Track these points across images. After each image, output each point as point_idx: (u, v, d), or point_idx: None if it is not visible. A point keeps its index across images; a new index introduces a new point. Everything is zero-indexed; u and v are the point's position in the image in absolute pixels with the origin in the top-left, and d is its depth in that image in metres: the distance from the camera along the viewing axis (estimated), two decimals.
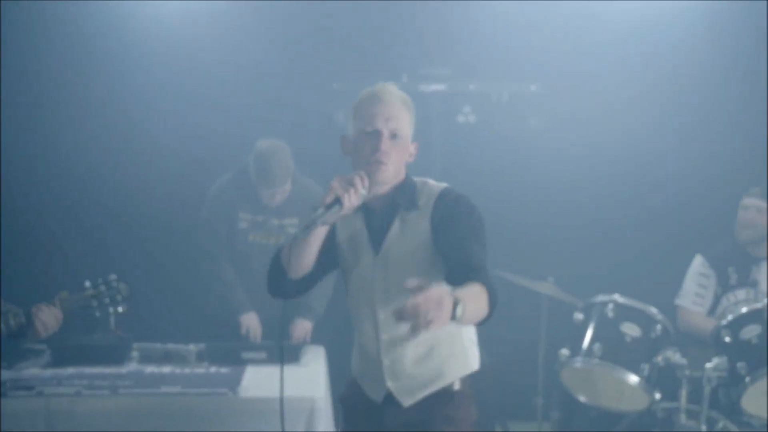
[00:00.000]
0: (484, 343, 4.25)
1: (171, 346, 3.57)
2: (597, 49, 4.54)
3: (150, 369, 3.43)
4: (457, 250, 2.26)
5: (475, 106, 4.76)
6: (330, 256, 2.49)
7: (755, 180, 4.06)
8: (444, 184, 2.44)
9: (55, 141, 4.62)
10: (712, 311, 3.94)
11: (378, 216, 2.42)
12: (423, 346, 2.44)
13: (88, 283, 2.93)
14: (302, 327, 3.92)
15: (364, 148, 2.32)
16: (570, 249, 4.53)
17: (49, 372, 3.34)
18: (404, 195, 2.38)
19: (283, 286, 2.45)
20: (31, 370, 3.37)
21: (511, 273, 3.97)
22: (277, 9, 4.54)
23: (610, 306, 3.44)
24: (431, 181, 2.46)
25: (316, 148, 4.05)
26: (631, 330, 3.38)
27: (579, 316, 3.54)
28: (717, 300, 3.94)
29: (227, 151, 4.32)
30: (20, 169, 4.60)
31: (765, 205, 3.90)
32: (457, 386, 2.48)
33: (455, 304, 1.94)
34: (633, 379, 3.30)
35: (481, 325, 2.23)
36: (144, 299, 4.38)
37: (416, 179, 2.45)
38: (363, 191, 2.27)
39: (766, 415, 3.28)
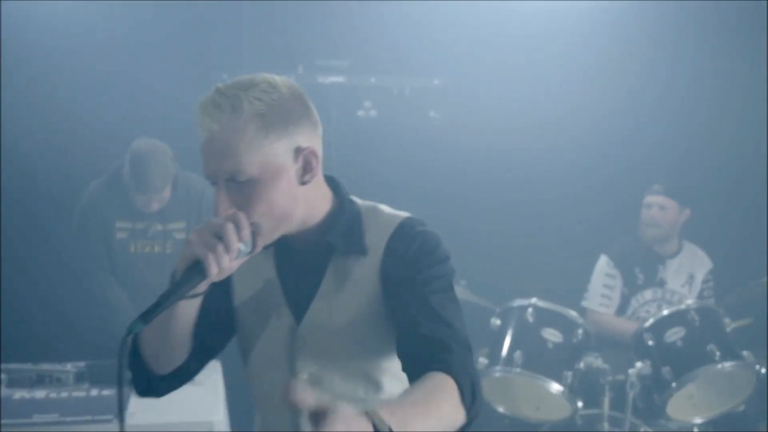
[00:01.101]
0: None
1: (45, 366, 3.16)
2: (501, 42, 4.45)
3: (20, 394, 3.02)
4: (411, 318, 1.52)
5: (375, 101, 4.54)
6: (224, 320, 1.70)
7: (655, 178, 4.03)
8: (404, 214, 1.66)
9: None
10: (621, 311, 3.88)
11: (299, 262, 1.64)
12: None
13: None
14: None
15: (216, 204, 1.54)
16: (480, 250, 4.37)
17: None
18: (340, 231, 1.61)
19: (153, 386, 1.64)
20: None
21: None
22: (167, 16, 4.24)
23: (530, 310, 3.28)
24: (385, 209, 1.68)
25: None
26: (552, 336, 3.24)
27: (496, 321, 3.36)
28: (626, 300, 3.89)
29: (110, 153, 3.90)
30: None
31: (667, 202, 3.87)
32: None
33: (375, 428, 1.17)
34: (556, 387, 3.15)
35: None
36: (12, 314, 3.94)
37: (361, 205, 1.67)
38: (242, 246, 1.46)
39: (689, 419, 3.23)
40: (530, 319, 3.27)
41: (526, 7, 4.48)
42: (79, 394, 3.02)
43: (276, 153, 1.49)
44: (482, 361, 3.30)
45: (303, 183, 1.53)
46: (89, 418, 2.77)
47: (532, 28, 4.44)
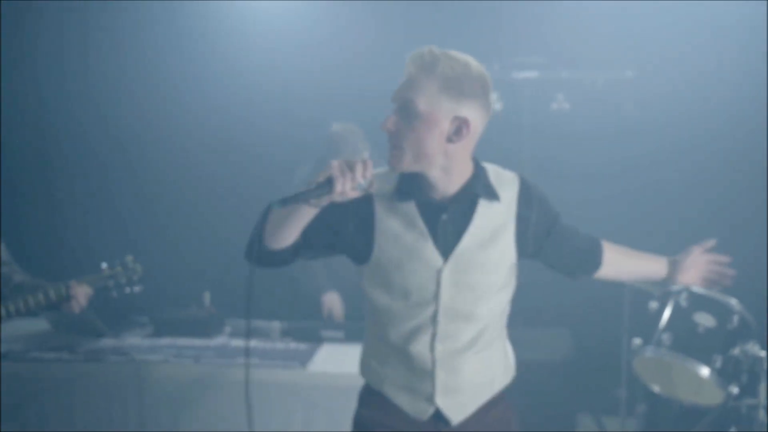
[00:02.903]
0: (573, 335, 4.21)
1: (259, 322, 3.80)
2: (694, 35, 4.38)
3: (236, 342, 3.67)
4: (573, 253, 2.29)
5: (568, 94, 4.71)
6: (328, 241, 2.12)
7: None
8: (513, 172, 2.17)
9: (88, 121, 5.00)
10: None
11: (444, 211, 2.05)
12: (480, 355, 2.17)
13: (104, 265, 3.05)
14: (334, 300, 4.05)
15: None
16: (659, 238, 4.39)
17: (147, 342, 3.67)
18: (481, 184, 2.06)
19: (255, 250, 2.06)
20: (132, 339, 3.70)
21: None
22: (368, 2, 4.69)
23: (684, 295, 3.34)
24: (501, 169, 2.16)
25: None
26: (704, 320, 3.26)
27: (653, 305, 3.45)
28: None
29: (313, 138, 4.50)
30: (52, 150, 5.05)
31: None
32: (502, 393, 2.27)
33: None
34: (704, 370, 3.19)
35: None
36: (239, 280, 4.70)
37: (486, 165, 2.13)
38: (362, 182, 1.90)
39: None
40: (684, 303, 3.33)
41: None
42: (280, 345, 3.63)
43: (440, 109, 1.94)
44: (636, 341, 3.42)
45: (449, 141, 1.97)
46: (280, 363, 3.37)
47: (724, 21, 4.36)
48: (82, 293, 2.97)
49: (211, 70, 4.85)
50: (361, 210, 2.08)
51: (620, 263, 2.42)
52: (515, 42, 4.73)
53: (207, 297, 3.90)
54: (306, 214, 1.98)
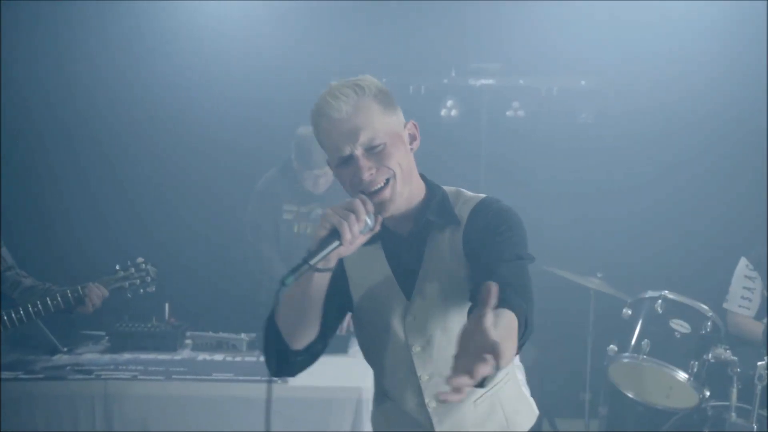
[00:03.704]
0: (533, 338, 4.24)
1: (223, 335, 3.66)
2: (649, 44, 4.51)
3: (202, 356, 3.52)
4: (489, 265, 1.72)
5: (524, 101, 4.76)
6: (342, 303, 1.92)
7: None
8: (482, 195, 1.90)
9: (97, 125, 4.79)
10: (761, 314, 3.88)
11: (403, 244, 1.86)
12: (484, 403, 1.94)
13: (118, 267, 3.08)
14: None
15: (348, 180, 1.78)
16: (618, 245, 4.50)
17: (107, 357, 3.47)
18: (435, 209, 1.85)
19: (287, 362, 1.86)
20: (90, 355, 3.50)
21: (560, 268, 3.97)
22: (325, 7, 4.62)
23: (660, 302, 3.42)
24: (467, 192, 1.92)
25: None
26: (680, 326, 3.36)
27: (628, 311, 3.52)
28: (765, 302, 3.87)
29: (275, 144, 4.39)
30: (61, 154, 4.80)
31: None
32: None
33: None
34: (681, 375, 3.28)
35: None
36: (197, 290, 4.54)
37: (446, 188, 1.91)
38: (368, 220, 1.71)
39: None
40: (659, 309, 3.41)
41: (678, 6, 4.52)
42: (251, 358, 3.50)
43: (394, 123, 1.79)
44: (612, 348, 3.47)
45: (410, 150, 1.82)
46: (258, 378, 3.22)
47: (682, 29, 4.48)
48: (97, 294, 2.96)
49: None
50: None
51: None
52: (472, 49, 4.75)
53: (167, 309, 3.72)
54: (321, 284, 1.76)
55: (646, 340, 3.36)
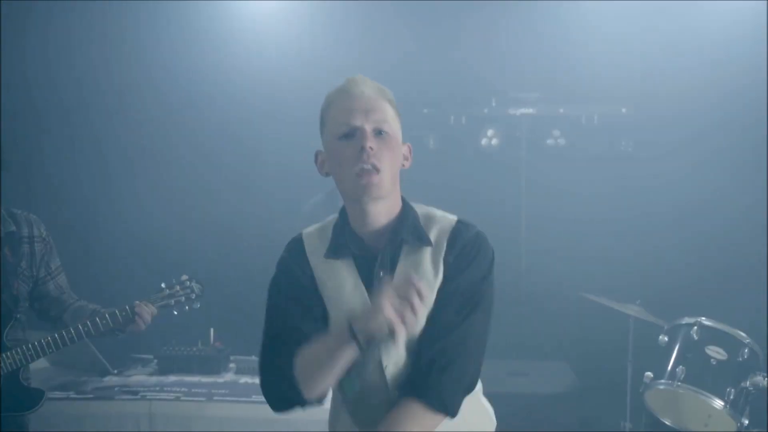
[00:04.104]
0: (572, 365, 4.25)
1: (247, 358, 3.77)
2: (689, 72, 4.51)
3: (244, 380, 3.63)
4: (431, 338, 1.80)
5: (564, 130, 4.80)
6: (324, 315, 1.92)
7: None
8: (455, 216, 1.93)
9: (149, 146, 4.95)
10: None
11: (375, 261, 1.87)
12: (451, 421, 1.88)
13: (163, 285, 3.08)
14: None
15: (344, 155, 1.81)
16: (658, 271, 4.48)
17: (154, 379, 3.61)
18: (408, 226, 1.87)
19: (293, 405, 1.85)
20: (138, 377, 3.64)
21: (598, 295, 3.97)
22: (366, 38, 4.74)
23: (696, 328, 3.40)
24: (437, 211, 1.95)
25: (407, 173, 4.18)
26: (716, 353, 3.33)
27: (664, 338, 3.50)
28: None
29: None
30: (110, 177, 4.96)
31: None
32: None
33: None
34: (717, 403, 3.25)
35: None
36: (243, 315, 4.66)
37: (416, 207, 1.94)
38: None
39: None
40: (695, 336, 3.39)
41: (716, 35, 4.52)
42: None
43: (399, 131, 1.86)
44: (648, 375, 3.46)
45: (402, 166, 1.88)
46: None
47: (721, 57, 4.48)
48: (147, 312, 2.96)
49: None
50: (303, 280, 1.91)
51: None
52: (511, 78, 4.81)
53: (212, 333, 3.85)
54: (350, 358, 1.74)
55: (681, 366, 3.34)
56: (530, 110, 4.78)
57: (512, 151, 4.79)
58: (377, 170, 1.79)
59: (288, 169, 4.77)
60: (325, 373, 1.76)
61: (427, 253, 1.86)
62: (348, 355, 1.71)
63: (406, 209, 1.90)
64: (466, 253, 1.85)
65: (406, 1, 4.73)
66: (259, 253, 4.92)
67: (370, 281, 1.87)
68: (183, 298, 3.09)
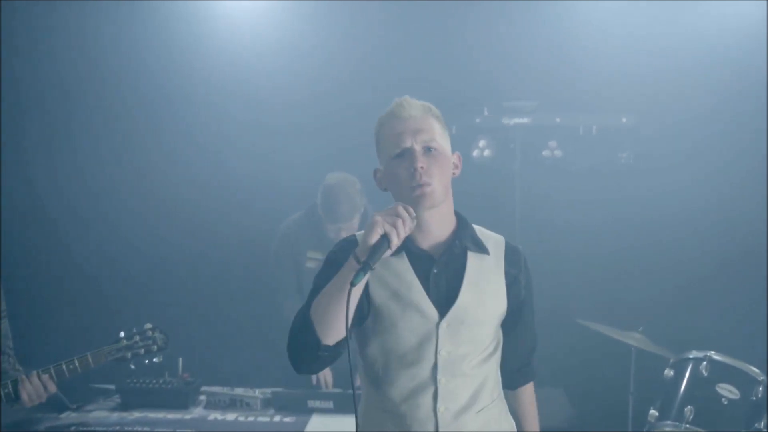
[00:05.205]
0: (572, 397, 3.97)
1: (238, 391, 3.52)
2: (691, 81, 4.25)
3: (214, 416, 3.37)
4: (524, 336, 2.24)
5: (561, 141, 4.52)
6: (361, 311, 2.07)
7: None
8: (500, 236, 2.20)
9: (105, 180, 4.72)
10: None
11: (429, 261, 2.06)
12: (481, 414, 2.12)
13: (122, 334, 2.86)
14: None
15: (398, 174, 2.01)
16: (662, 297, 4.19)
17: (116, 415, 3.35)
18: (468, 236, 2.10)
19: (314, 357, 1.99)
20: (98, 413, 3.38)
21: (599, 323, 3.69)
22: (354, 48, 4.47)
23: (705, 363, 3.12)
24: (484, 228, 2.19)
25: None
26: (728, 392, 3.05)
27: (670, 372, 3.23)
28: None
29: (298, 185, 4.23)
30: (67, 215, 4.70)
31: None
32: None
33: None
34: None
35: None
36: (213, 343, 4.39)
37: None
38: (412, 224, 1.94)
39: None
40: (705, 372, 3.11)
41: (719, 44, 4.27)
42: (264, 419, 3.32)
43: (447, 144, 2.06)
44: (653, 413, 3.18)
45: (453, 175, 2.07)
46: None
47: (724, 65, 4.24)
48: (31, 389, 2.73)
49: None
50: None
51: (521, 406, 2.34)
52: (505, 86, 4.54)
53: (180, 363, 3.57)
54: (362, 286, 1.94)
55: (689, 406, 3.06)
56: (525, 120, 4.49)
57: (506, 163, 4.51)
58: (429, 184, 1.99)
59: (264, 190, 4.57)
60: (335, 306, 1.91)
61: (488, 261, 2.10)
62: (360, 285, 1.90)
63: (464, 221, 2.12)
64: (527, 267, 2.18)
65: (395, 9, 4.50)
66: (233, 275, 4.68)
67: (427, 282, 2.05)
68: (142, 351, 2.86)
